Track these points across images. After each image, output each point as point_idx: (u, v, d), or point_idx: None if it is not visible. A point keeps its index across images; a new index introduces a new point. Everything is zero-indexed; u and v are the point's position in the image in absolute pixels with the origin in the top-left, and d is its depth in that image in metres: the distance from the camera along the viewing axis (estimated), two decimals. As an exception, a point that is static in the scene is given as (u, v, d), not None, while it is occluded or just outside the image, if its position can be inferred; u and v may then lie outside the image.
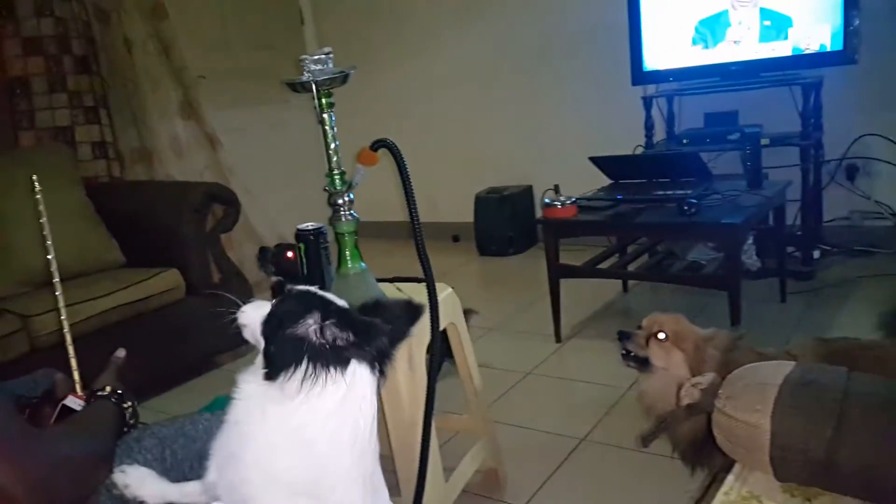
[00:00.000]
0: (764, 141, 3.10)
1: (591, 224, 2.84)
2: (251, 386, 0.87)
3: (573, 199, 2.83)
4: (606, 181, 3.24)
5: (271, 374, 0.83)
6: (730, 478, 1.11)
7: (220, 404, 1.98)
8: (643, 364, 1.66)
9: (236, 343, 3.08)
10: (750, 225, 2.78)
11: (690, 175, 3.02)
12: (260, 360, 0.88)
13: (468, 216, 4.54)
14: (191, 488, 1.00)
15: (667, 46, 3.60)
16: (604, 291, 3.47)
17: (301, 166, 4.98)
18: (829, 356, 1.46)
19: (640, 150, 3.74)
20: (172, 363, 2.85)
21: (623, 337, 1.70)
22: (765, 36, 3.40)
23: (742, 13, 3.43)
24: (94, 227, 2.99)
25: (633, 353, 1.68)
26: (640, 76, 3.66)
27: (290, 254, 1.58)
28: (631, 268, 3.29)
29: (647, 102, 3.67)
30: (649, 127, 3.69)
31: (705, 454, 1.54)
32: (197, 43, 4.07)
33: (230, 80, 4.39)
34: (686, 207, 2.57)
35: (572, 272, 2.98)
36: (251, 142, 4.55)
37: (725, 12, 3.45)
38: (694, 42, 3.54)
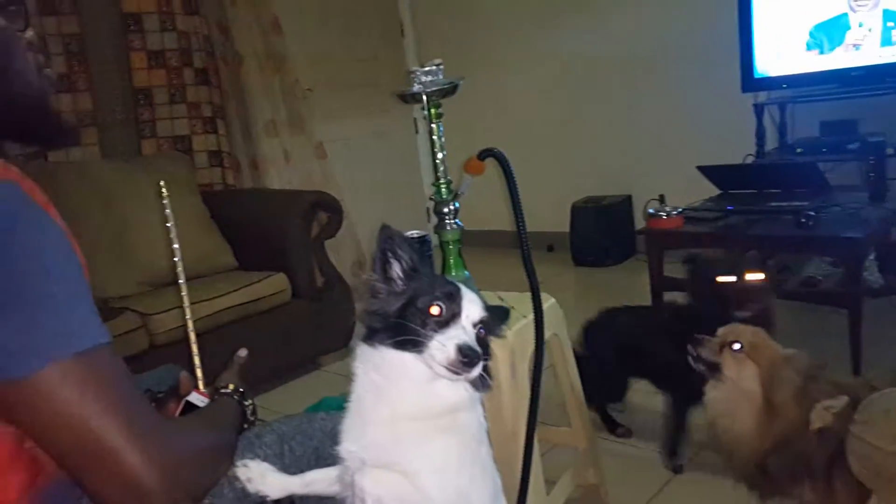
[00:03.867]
0: (888, 150, 2.92)
1: (700, 236, 2.75)
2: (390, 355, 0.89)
3: (680, 210, 2.75)
4: (711, 191, 3.13)
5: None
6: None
7: (327, 405, 2.05)
8: (712, 370, 1.60)
9: (338, 345, 3.19)
10: (872, 239, 2.62)
11: (806, 186, 2.88)
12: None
13: (563, 225, 4.49)
14: (314, 476, 1.03)
15: (780, 51, 3.44)
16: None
17: (400, 175, 5.09)
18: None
19: (749, 160, 3.59)
20: (278, 363, 2.97)
21: (695, 341, 1.64)
22: (887, 39, 3.20)
23: (862, 15, 3.24)
24: (210, 231, 3.16)
25: (703, 358, 1.62)
26: (750, 83, 3.51)
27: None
28: (739, 282, 3.14)
29: (759, 110, 3.52)
30: (760, 135, 3.53)
31: (793, 483, 1.46)
32: (304, 56, 4.22)
33: (334, 92, 4.53)
34: (803, 220, 2.44)
35: (677, 285, 2.88)
36: (353, 151, 4.67)
37: (844, 15, 3.27)
38: (809, 47, 3.36)
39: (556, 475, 1.77)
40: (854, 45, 3.28)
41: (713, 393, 1.61)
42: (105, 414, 0.72)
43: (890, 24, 3.18)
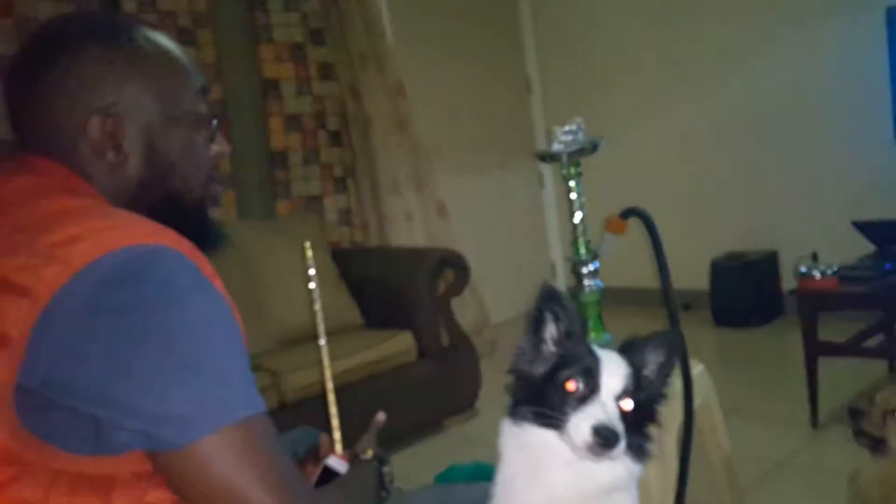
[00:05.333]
0: None
1: (858, 297, 2.55)
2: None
3: (834, 269, 2.54)
4: (863, 248, 2.89)
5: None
6: None
7: (456, 473, 2.00)
8: (878, 445, 1.42)
9: (462, 407, 3.13)
10: None
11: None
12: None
13: (701, 283, 4.27)
14: None
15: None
16: (866, 373, 3.05)
17: (525, 232, 5.05)
18: None
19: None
20: (402, 424, 2.89)
21: (855, 414, 1.46)
22: None
23: None
24: (338, 289, 3.21)
25: (867, 432, 1.43)
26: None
27: None
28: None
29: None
30: (919, 188, 3.25)
31: None
32: (430, 115, 4.31)
33: (459, 149, 4.58)
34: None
35: (833, 350, 2.66)
36: (477, 208, 4.69)
37: None
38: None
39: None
40: None
41: (879, 468, 1.44)
42: (262, 485, 0.72)
43: None
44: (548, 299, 0.89)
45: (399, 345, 2.97)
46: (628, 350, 0.90)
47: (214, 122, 0.96)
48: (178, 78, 0.91)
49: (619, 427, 0.80)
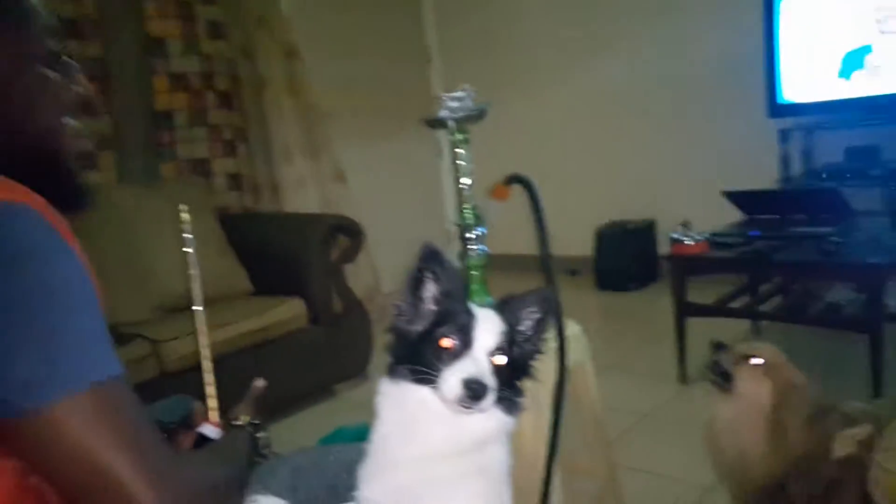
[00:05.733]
0: (911, 177, 2.90)
1: (725, 262, 2.74)
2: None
3: (705, 235, 2.73)
4: (734, 216, 3.10)
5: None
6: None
7: (342, 436, 2.02)
8: (725, 379, 1.57)
9: (355, 372, 3.16)
10: (894, 265, 2.59)
11: (830, 212, 2.85)
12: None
13: (587, 250, 4.47)
14: None
15: (806, 79, 3.44)
16: (731, 333, 3.29)
17: (422, 200, 5.09)
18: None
19: (774, 185, 3.57)
20: (292, 391, 2.91)
21: (718, 347, 1.61)
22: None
23: (887, 45, 3.23)
24: (225, 255, 3.14)
25: (720, 365, 1.59)
26: (776, 109, 3.52)
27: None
28: (763, 308, 3.11)
29: (784, 136, 3.51)
30: (785, 161, 3.52)
31: None
32: (328, 81, 4.25)
33: (358, 117, 4.53)
34: (827, 246, 2.42)
35: (701, 311, 2.86)
36: (375, 176, 4.68)
37: (869, 46, 3.26)
38: (839, 75, 3.36)
39: (577, 506, 1.74)
40: (877, 74, 3.27)
41: (720, 408, 1.59)
42: (117, 448, 0.71)
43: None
44: (428, 259, 0.89)
45: (289, 311, 2.94)
46: (504, 308, 0.91)
47: (69, 61, 0.89)
48: (23, 15, 0.85)
49: (490, 380, 0.82)
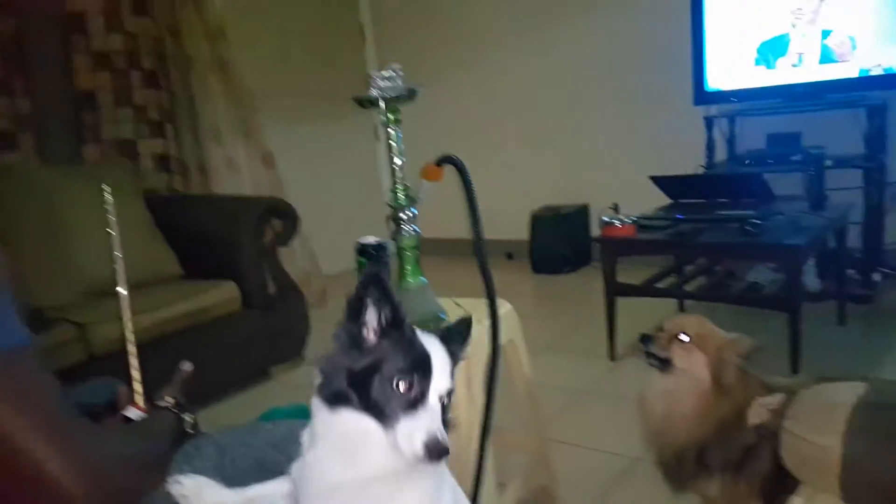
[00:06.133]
0: (827, 163, 3.04)
1: (651, 243, 2.82)
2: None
3: (633, 219, 2.81)
4: (663, 201, 3.20)
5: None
6: (797, 500, 1.08)
7: (274, 416, 2.02)
8: (665, 364, 1.64)
9: (291, 355, 3.14)
10: (812, 247, 2.72)
11: (752, 196, 2.98)
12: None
13: (523, 234, 4.54)
14: (257, 490, 0.96)
15: (730, 67, 3.55)
16: (660, 311, 3.41)
17: (359, 182, 5.06)
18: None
19: (699, 171, 3.69)
20: (227, 374, 2.89)
21: (645, 340, 1.68)
22: (825, 57, 3.33)
23: (804, 35, 3.37)
24: (154, 238, 3.07)
25: (655, 355, 1.66)
26: (702, 96, 3.63)
27: None
28: (689, 288, 3.23)
29: (709, 122, 3.62)
30: (710, 147, 3.64)
31: (709, 476, 1.54)
32: (258, 61, 4.17)
33: (291, 98, 4.47)
34: (748, 228, 2.52)
35: (629, 291, 2.95)
36: (310, 158, 4.64)
37: (787, 35, 3.39)
38: (757, 63, 3.49)
39: (510, 478, 1.79)
40: (796, 63, 3.41)
41: (659, 383, 1.65)
42: (21, 414, 0.69)
43: (827, 42, 3.32)
44: (372, 284, 0.83)
45: (221, 295, 2.90)
46: (448, 339, 0.88)
47: None
48: None
49: (446, 437, 0.79)
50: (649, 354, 1.67)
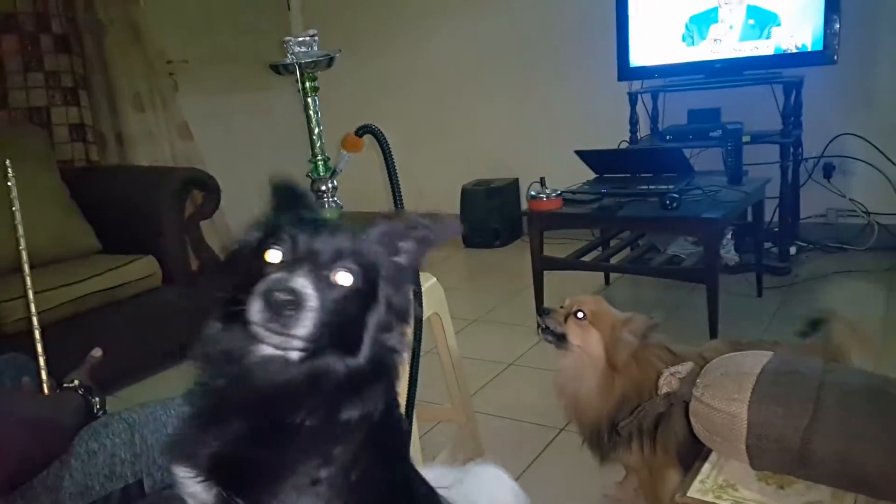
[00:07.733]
0: (745, 138, 3.14)
1: (576, 217, 2.86)
2: None
3: (559, 192, 2.84)
4: (592, 175, 3.25)
5: None
6: (706, 466, 1.12)
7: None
8: (560, 340, 1.68)
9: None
10: (729, 220, 2.81)
11: (673, 170, 3.04)
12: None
13: (454, 207, 4.53)
14: None
15: (653, 43, 3.60)
16: (586, 284, 3.48)
17: (283, 154, 4.94)
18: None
19: (624, 145, 3.76)
20: (147, 352, 2.79)
21: (543, 312, 1.72)
22: (746, 35, 3.42)
23: (729, 11, 3.44)
24: (69, 212, 2.93)
25: (551, 329, 1.69)
26: (626, 72, 3.68)
27: None
28: (613, 261, 3.30)
29: (633, 98, 3.68)
30: (634, 122, 3.69)
31: (620, 447, 1.61)
32: (179, 27, 4.00)
33: (213, 65, 4.32)
34: (668, 202, 2.58)
35: (556, 264, 2.99)
36: (233, 128, 4.50)
37: (715, 9, 3.46)
38: (683, 39, 3.55)
39: (438, 451, 1.80)
40: (716, 39, 3.49)
41: (562, 361, 1.69)
42: None
43: (751, 21, 3.41)
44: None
45: (140, 270, 2.80)
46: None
47: None
48: None
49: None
50: (545, 330, 1.70)
